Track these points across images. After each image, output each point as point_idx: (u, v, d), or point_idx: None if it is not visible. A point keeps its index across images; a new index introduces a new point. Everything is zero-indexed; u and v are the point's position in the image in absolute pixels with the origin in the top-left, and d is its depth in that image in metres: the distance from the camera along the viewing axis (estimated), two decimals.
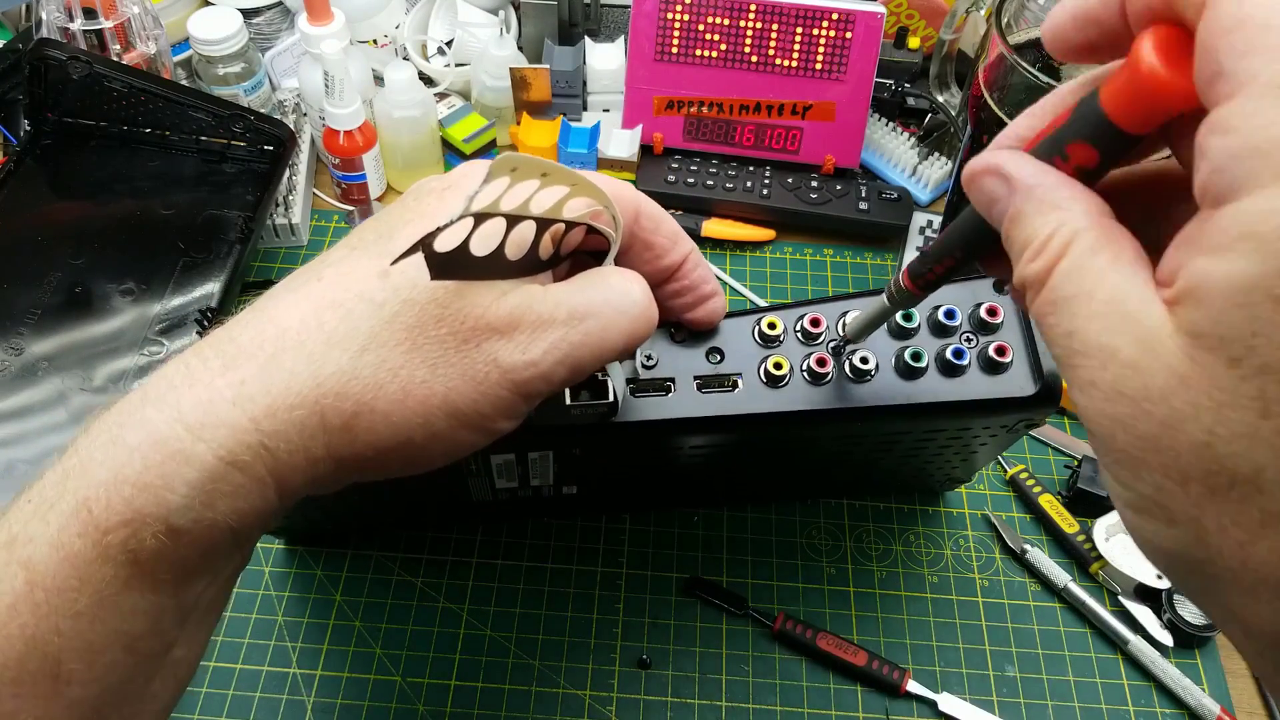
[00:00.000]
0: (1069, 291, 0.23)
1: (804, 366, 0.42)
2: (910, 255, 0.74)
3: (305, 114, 0.78)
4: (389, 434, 0.30)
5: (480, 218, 0.29)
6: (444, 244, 0.28)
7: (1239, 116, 0.19)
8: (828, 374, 0.41)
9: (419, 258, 0.28)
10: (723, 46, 0.72)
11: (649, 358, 0.41)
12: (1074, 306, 0.23)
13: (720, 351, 0.42)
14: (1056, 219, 0.24)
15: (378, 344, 0.29)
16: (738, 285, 0.72)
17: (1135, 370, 0.22)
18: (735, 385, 0.41)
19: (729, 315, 0.42)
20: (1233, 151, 0.19)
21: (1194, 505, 0.21)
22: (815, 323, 0.42)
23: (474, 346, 0.30)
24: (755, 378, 0.42)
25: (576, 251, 0.35)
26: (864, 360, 0.41)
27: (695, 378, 0.41)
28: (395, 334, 0.29)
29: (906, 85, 0.80)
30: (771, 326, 0.42)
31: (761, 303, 0.71)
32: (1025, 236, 0.25)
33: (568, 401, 0.40)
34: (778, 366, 0.41)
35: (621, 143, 0.75)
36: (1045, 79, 0.53)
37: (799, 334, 0.42)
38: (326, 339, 0.29)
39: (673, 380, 0.41)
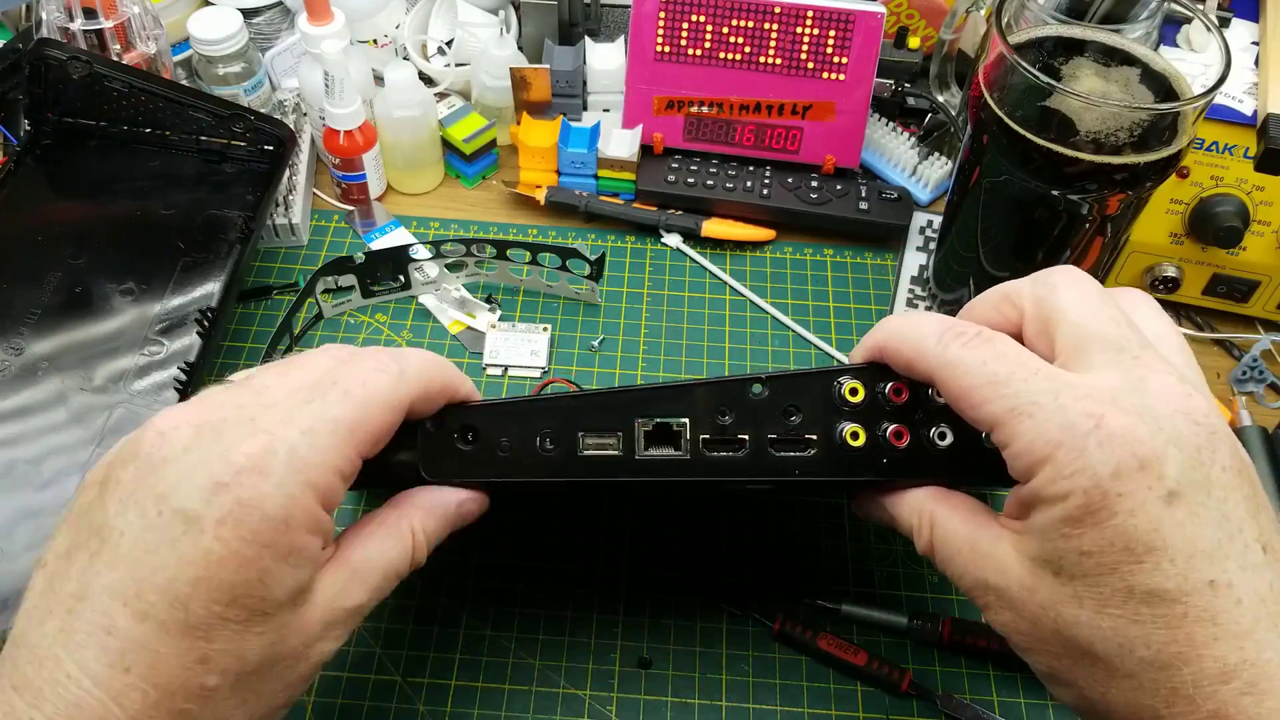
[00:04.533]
0: (946, 552, 0.36)
1: (882, 437, 0.40)
2: (910, 255, 0.74)
3: (305, 114, 0.78)
4: None
5: None
6: None
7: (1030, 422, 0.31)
8: (904, 446, 0.40)
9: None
10: (723, 46, 0.72)
11: (723, 415, 0.40)
12: (955, 560, 0.35)
13: (797, 409, 0.41)
14: (915, 508, 0.38)
15: (233, 711, 0.29)
16: (738, 285, 0.72)
17: (1001, 590, 0.33)
18: (808, 448, 0.41)
19: (805, 374, 0.41)
20: (1028, 444, 0.31)
21: (1069, 672, 0.31)
22: (898, 391, 0.40)
23: (300, 663, 0.31)
24: (830, 442, 0.41)
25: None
26: (941, 436, 0.40)
27: (770, 437, 0.41)
28: (244, 701, 0.29)
29: (906, 85, 0.80)
30: (854, 392, 0.40)
31: (762, 303, 0.71)
32: (905, 527, 0.39)
33: (639, 453, 0.40)
34: (855, 435, 0.40)
35: (621, 143, 0.75)
36: (1045, 79, 0.53)
37: (880, 395, 0.41)
38: None
39: (747, 438, 0.41)
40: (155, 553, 0.27)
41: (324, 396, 0.31)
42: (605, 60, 0.78)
